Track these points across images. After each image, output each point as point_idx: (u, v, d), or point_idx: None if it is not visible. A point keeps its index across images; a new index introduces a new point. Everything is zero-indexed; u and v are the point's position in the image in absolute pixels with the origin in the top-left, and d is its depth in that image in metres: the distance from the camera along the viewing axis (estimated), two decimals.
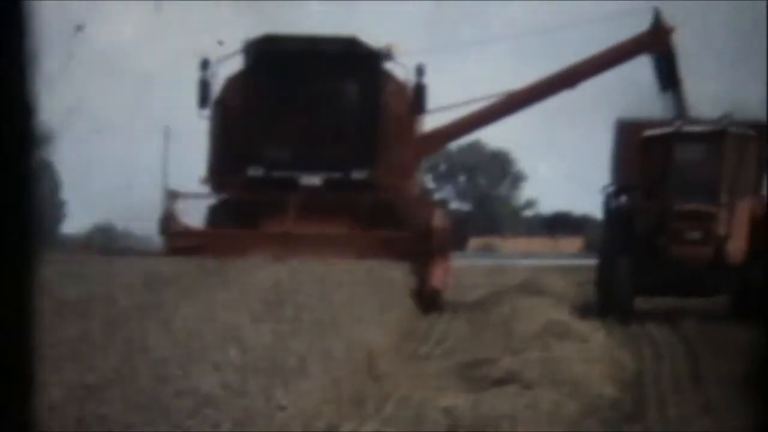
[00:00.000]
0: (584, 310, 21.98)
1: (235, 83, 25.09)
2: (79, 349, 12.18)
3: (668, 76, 25.82)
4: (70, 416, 9.62)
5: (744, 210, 22.55)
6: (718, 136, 22.61)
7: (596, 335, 18.35)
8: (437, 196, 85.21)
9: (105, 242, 40.05)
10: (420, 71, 24.85)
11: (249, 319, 15.57)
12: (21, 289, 3.62)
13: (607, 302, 22.24)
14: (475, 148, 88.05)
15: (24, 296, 3.64)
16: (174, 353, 12.64)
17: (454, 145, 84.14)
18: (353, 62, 24.77)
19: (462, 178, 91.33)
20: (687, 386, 16.95)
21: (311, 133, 24.76)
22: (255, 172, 24.56)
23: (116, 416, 9.81)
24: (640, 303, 23.37)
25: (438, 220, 24.57)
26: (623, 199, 23.91)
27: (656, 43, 25.82)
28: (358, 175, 24.54)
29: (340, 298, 18.40)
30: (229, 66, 25.20)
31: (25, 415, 3.72)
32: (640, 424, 14.33)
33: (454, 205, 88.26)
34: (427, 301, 22.92)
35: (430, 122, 26.32)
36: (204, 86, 24.89)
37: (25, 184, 3.67)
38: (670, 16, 25.74)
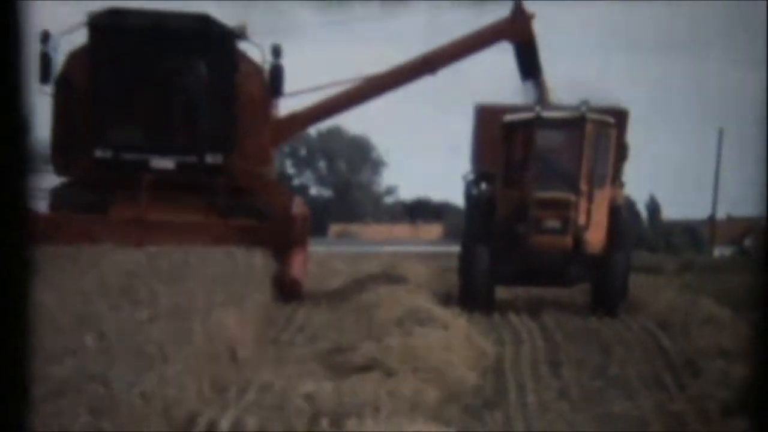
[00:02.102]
0: (446, 298, 22.33)
1: (78, 59, 24.14)
2: None
3: (529, 64, 25.89)
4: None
5: (603, 199, 22.62)
6: (577, 123, 22.60)
7: (457, 322, 18.62)
8: (297, 181, 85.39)
9: None
10: (277, 52, 24.41)
11: (106, 306, 15.55)
12: (18, 293, 3.66)
13: (468, 290, 22.34)
14: (336, 133, 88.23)
15: (21, 300, 3.69)
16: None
17: (314, 130, 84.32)
18: (205, 41, 24.09)
19: (322, 164, 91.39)
20: (546, 373, 17.42)
21: (162, 114, 24.07)
22: (102, 153, 23.83)
23: None
24: (503, 292, 23.69)
25: (297, 207, 24.58)
26: (484, 186, 23.98)
27: (516, 30, 25.87)
28: (212, 159, 24.07)
29: (198, 285, 18.42)
30: (72, 39, 24.31)
31: (18, 415, 3.64)
32: (501, 410, 14.73)
33: (314, 191, 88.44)
34: (288, 289, 22.95)
35: (288, 106, 26.05)
36: (45, 60, 23.66)
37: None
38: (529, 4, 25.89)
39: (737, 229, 76.57)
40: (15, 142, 3.75)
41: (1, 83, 3.70)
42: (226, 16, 24.57)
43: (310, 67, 29.01)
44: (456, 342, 17.23)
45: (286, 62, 24.56)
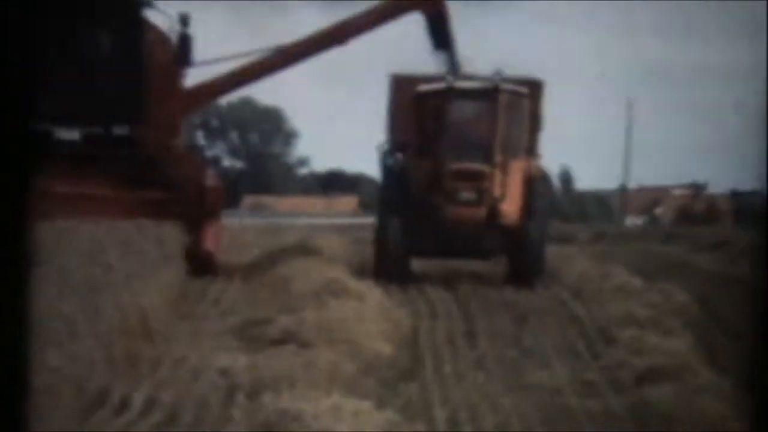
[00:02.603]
0: (361, 270, 22.33)
1: None
2: None
3: (440, 35, 25.86)
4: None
5: (518, 170, 22.61)
6: (491, 93, 22.52)
7: (373, 294, 18.66)
8: (209, 153, 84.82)
9: None
10: (185, 21, 24.13)
11: None
12: (17, 296, 3.56)
13: (383, 262, 22.35)
14: (248, 104, 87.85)
15: (20, 303, 3.62)
16: None
17: (226, 101, 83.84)
18: (110, 7, 23.79)
19: (234, 135, 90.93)
20: (461, 344, 17.54)
21: (66, 83, 23.81)
22: None
23: None
24: (420, 264, 23.70)
25: (210, 179, 24.42)
26: (398, 157, 23.82)
27: (428, 2, 25.88)
28: (119, 130, 23.79)
29: (109, 259, 18.23)
30: None
31: (17, 415, 3.62)
32: (417, 382, 14.81)
33: (226, 162, 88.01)
34: (201, 263, 22.83)
35: (197, 76, 25.77)
36: None
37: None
38: None
39: (648, 198, 77.60)
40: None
41: None
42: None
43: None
44: (371, 314, 17.28)
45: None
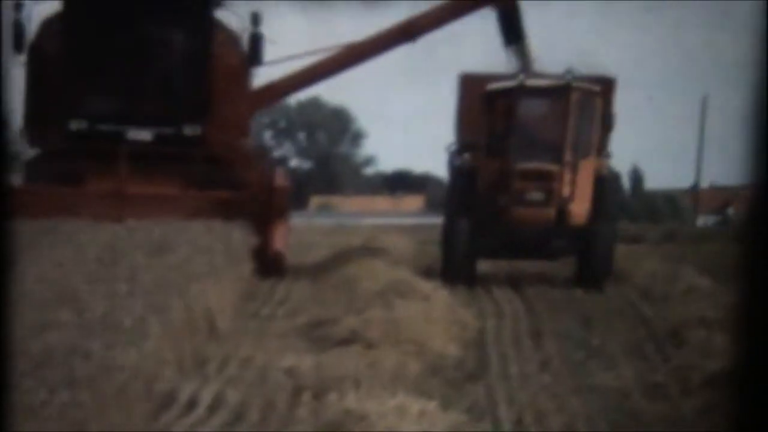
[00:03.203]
0: (427, 270, 22.34)
1: (51, 27, 23.85)
2: None
3: (512, 31, 25.63)
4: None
5: (587, 170, 22.34)
6: (562, 92, 22.28)
7: (439, 295, 18.65)
8: (277, 153, 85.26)
9: None
10: (256, 19, 24.17)
11: (85, 280, 15.57)
12: None
13: (449, 264, 22.22)
14: (315, 104, 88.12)
15: None
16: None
17: (294, 101, 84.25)
18: (181, 8, 23.91)
19: (302, 136, 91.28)
20: (528, 345, 17.51)
21: (138, 84, 23.86)
22: (77, 125, 23.59)
23: None
24: (487, 265, 23.58)
25: (279, 179, 24.50)
26: (466, 157, 23.58)
27: None
28: (190, 130, 23.93)
29: (178, 258, 18.44)
30: (46, 7, 24.11)
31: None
32: (483, 382, 14.82)
33: (294, 162, 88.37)
34: (270, 264, 22.91)
35: (265, 75, 25.79)
36: (18, 29, 23.36)
37: None
38: None
39: (720, 198, 76.87)
40: None
41: None
42: None
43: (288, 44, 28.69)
44: (437, 314, 17.28)
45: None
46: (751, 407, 4.23)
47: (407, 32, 25.49)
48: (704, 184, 69.98)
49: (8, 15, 23.49)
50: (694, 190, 67.34)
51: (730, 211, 76.34)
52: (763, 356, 4.18)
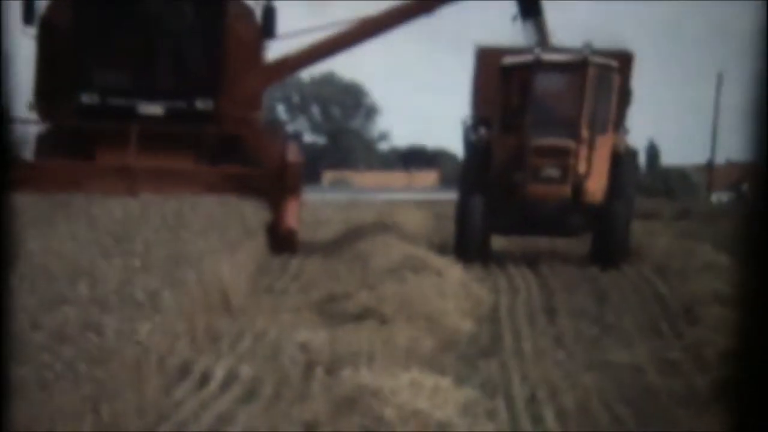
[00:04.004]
0: (441, 246, 22.37)
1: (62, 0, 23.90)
2: None
3: (529, 4, 25.52)
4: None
5: (604, 146, 22.24)
6: (579, 66, 22.16)
7: (453, 270, 18.67)
8: (290, 128, 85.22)
9: None
10: None
11: (98, 254, 15.62)
12: None
13: (463, 240, 22.19)
14: (329, 79, 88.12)
15: None
16: (22, 287, 12.68)
17: (307, 76, 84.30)
18: None
19: (315, 110, 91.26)
20: (541, 321, 17.55)
21: (149, 57, 23.79)
22: (89, 99, 23.52)
23: None
24: (501, 241, 23.56)
25: (292, 154, 24.46)
26: (481, 132, 23.45)
27: None
28: (202, 105, 23.86)
29: (191, 233, 18.48)
30: None
31: None
32: (497, 358, 14.86)
33: (308, 137, 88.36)
34: (283, 240, 22.94)
35: (278, 48, 25.68)
36: (28, 1, 23.48)
37: None
38: None
39: (735, 174, 76.71)
40: None
41: None
42: None
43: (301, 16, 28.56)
44: (451, 290, 17.29)
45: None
46: (752, 405, 4.18)
47: (424, 5, 25.36)
48: (720, 160, 69.87)
49: None
50: (710, 166, 67.21)
51: (744, 187, 76.25)
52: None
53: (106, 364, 10.47)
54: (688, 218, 34.92)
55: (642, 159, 73.12)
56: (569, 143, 21.88)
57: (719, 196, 65.08)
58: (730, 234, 27.45)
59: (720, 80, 67.54)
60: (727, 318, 16.01)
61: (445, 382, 11.26)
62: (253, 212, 22.13)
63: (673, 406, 12.91)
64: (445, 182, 64.71)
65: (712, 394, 13.35)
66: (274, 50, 25.21)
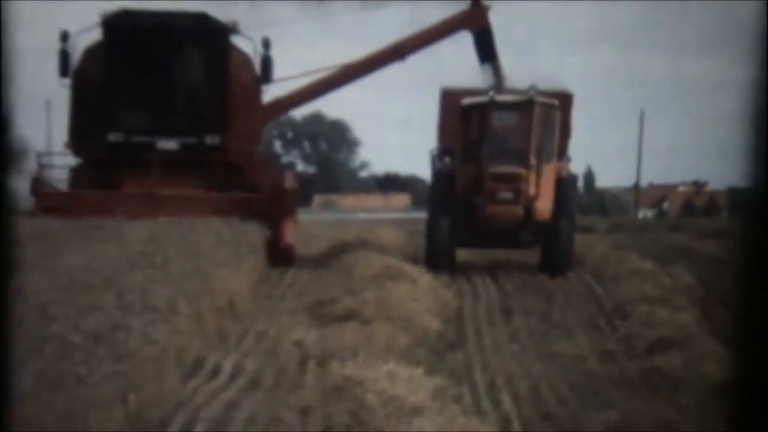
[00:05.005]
0: (414, 258, 22.30)
1: (93, 54, 23.98)
2: None
3: (485, 50, 25.60)
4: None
5: (550, 172, 22.22)
6: (526, 105, 22.11)
7: (424, 278, 18.60)
8: (285, 159, 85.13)
9: None
10: (266, 44, 24.15)
11: (125, 267, 15.54)
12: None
13: (433, 253, 22.08)
14: (317, 118, 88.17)
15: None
16: (59, 296, 12.60)
17: (299, 115, 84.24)
18: (202, 36, 23.98)
19: (306, 144, 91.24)
20: (499, 320, 17.52)
21: (166, 100, 24.02)
22: (115, 137, 23.67)
23: (12, 353, 9.76)
24: (465, 254, 23.49)
25: (288, 182, 24.50)
26: (446, 161, 23.35)
27: (475, 20, 25.63)
28: (210, 140, 23.99)
29: (203, 249, 18.42)
30: (88, 38, 24.32)
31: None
32: (461, 352, 14.82)
33: (300, 167, 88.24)
34: (281, 254, 22.88)
35: (273, 91, 25.83)
36: (64, 57, 23.68)
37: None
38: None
39: (656, 194, 77.01)
40: None
41: None
42: (211, 11, 24.48)
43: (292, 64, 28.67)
44: (423, 295, 17.25)
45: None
46: (751, 407, 4.00)
47: (398, 52, 25.52)
48: (644, 183, 70.13)
49: (54, 43, 23.76)
50: (636, 188, 67.40)
51: (665, 205, 76.57)
52: (761, 362, 3.98)
53: (131, 361, 10.40)
54: (619, 231, 34.94)
55: (581, 182, 73.34)
56: (521, 170, 21.89)
57: (644, 213, 65.35)
58: (654, 244, 27.52)
59: (642, 117, 68.23)
60: (653, 314, 16.04)
61: (418, 372, 11.21)
62: (255, 232, 22.07)
63: (609, 388, 12.90)
64: (416, 204, 64.65)
65: (641, 377, 13.36)
66: (270, 93, 25.35)
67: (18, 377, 8.85)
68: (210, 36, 24.13)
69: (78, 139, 24.13)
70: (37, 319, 11.29)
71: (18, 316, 11.34)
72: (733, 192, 71.48)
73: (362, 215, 46.53)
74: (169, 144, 23.80)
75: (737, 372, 4.05)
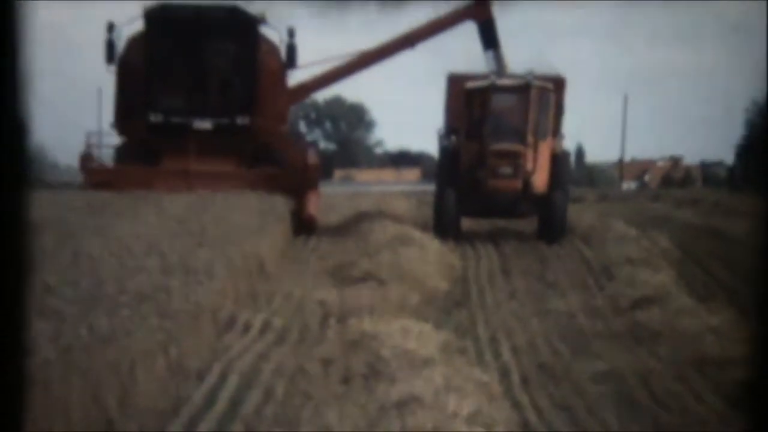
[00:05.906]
0: (423, 226, 22.28)
1: (136, 43, 23.97)
2: (39, 258, 12.06)
3: (489, 39, 25.55)
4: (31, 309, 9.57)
5: (546, 149, 22.06)
6: (524, 89, 21.98)
7: (432, 244, 18.62)
8: (308, 138, 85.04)
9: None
10: (291, 33, 24.15)
11: (166, 235, 15.56)
12: (15, 291, 3.01)
13: (440, 222, 21.96)
14: (338, 100, 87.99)
15: (18, 301, 3.03)
16: (111, 261, 12.63)
17: (321, 98, 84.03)
18: (234, 26, 23.91)
19: (327, 124, 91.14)
20: (499, 279, 17.50)
21: (201, 85, 24.04)
22: (155, 118, 23.60)
23: (69, 309, 9.82)
24: (469, 223, 23.42)
25: (312, 157, 24.48)
26: (452, 139, 23.14)
27: (479, 12, 25.59)
28: (241, 120, 24.00)
29: (235, 219, 18.44)
30: (131, 29, 24.38)
31: (17, 409, 3.01)
32: (466, 309, 14.83)
33: (322, 145, 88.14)
34: (305, 224, 22.89)
35: (298, 76, 25.85)
36: (110, 46, 23.71)
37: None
38: None
39: (638, 168, 76.83)
40: (11, 144, 3.01)
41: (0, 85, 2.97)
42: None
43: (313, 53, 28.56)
44: (431, 258, 17.26)
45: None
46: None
47: (408, 41, 25.52)
48: (627, 158, 69.93)
49: (101, 35, 23.80)
50: (620, 163, 67.19)
51: (646, 178, 76.40)
52: None
53: (172, 318, 10.43)
54: (606, 201, 34.83)
55: (573, 158, 73.11)
56: (519, 147, 21.77)
57: (628, 185, 65.18)
58: (636, 213, 27.43)
59: (626, 100, 68.48)
60: (636, 275, 16.01)
61: (428, 327, 11.24)
62: (282, 203, 22.07)
63: (597, 341, 12.90)
64: (425, 177, 64.53)
65: (625, 331, 13.34)
66: (294, 78, 25.36)
67: (73, 330, 8.87)
68: (241, 26, 24.13)
69: (122, 119, 24.21)
70: (90, 280, 11.31)
71: (74, 278, 11.38)
72: (705, 166, 71.61)
73: (377, 188, 46.45)
74: (204, 124, 23.83)
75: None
